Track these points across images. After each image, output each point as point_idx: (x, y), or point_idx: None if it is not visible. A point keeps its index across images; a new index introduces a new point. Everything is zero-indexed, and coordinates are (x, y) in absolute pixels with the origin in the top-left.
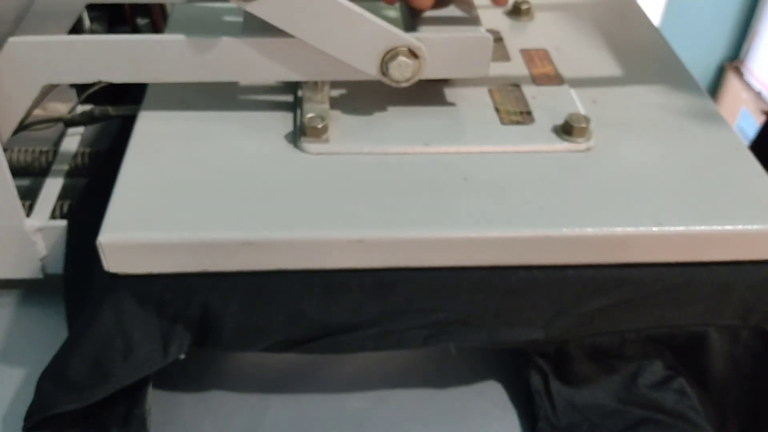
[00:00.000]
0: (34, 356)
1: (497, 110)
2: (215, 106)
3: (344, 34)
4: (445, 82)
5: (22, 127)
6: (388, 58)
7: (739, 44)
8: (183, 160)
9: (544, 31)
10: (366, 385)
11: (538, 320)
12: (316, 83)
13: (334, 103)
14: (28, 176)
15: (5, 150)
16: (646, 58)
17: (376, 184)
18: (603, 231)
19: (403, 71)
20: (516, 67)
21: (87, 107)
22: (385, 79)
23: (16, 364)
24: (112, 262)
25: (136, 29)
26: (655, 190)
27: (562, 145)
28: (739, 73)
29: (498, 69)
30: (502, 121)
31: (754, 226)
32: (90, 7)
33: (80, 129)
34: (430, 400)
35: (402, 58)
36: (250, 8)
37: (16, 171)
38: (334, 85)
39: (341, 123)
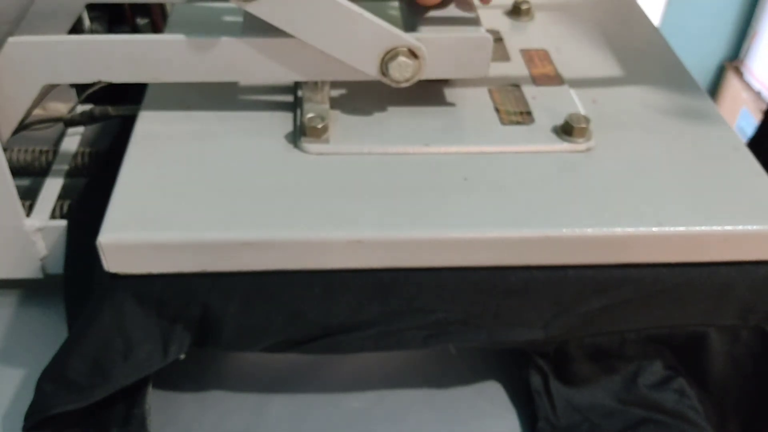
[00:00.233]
0: (34, 356)
1: (497, 110)
2: (215, 107)
3: (344, 34)
4: (445, 82)
5: (22, 127)
6: (388, 58)
7: (739, 44)
8: (183, 160)
9: (544, 31)
10: (366, 385)
11: (538, 320)
12: (316, 83)
13: (334, 103)
14: (28, 176)
15: (5, 150)
16: (646, 58)
17: (376, 184)
18: (603, 231)
19: (403, 71)
20: (516, 67)
21: (87, 107)
22: (385, 79)
23: (16, 364)
24: (112, 262)
25: (136, 29)
26: (655, 190)
27: (562, 146)
28: (739, 73)
29: (498, 69)
30: (502, 121)
31: (754, 226)
32: (90, 7)
33: (80, 129)
34: (430, 400)
35: (402, 58)
36: (250, 8)
37: (16, 171)
38: (334, 85)
39: (341, 123)
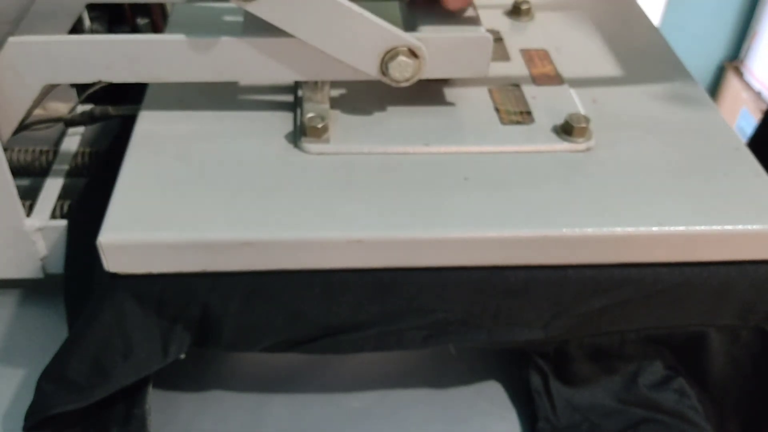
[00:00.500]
0: (34, 356)
1: (497, 110)
2: (215, 106)
3: (344, 34)
4: (445, 82)
5: (22, 127)
6: (388, 58)
7: (739, 44)
8: (183, 160)
9: (544, 31)
10: (366, 385)
11: (538, 320)
12: (316, 83)
13: (334, 103)
14: (28, 176)
15: (5, 150)
16: (646, 58)
17: (376, 184)
18: (603, 231)
19: (403, 71)
20: (516, 67)
21: (87, 107)
22: (385, 79)
23: (16, 364)
24: (112, 262)
25: (136, 29)
26: (655, 190)
27: (562, 145)
28: (739, 73)
29: (498, 69)
30: (502, 121)
31: (754, 226)
32: (90, 7)
33: (80, 129)
34: (430, 400)
35: (402, 58)
36: (250, 8)
37: (16, 171)
38: (334, 85)
39: (341, 123)
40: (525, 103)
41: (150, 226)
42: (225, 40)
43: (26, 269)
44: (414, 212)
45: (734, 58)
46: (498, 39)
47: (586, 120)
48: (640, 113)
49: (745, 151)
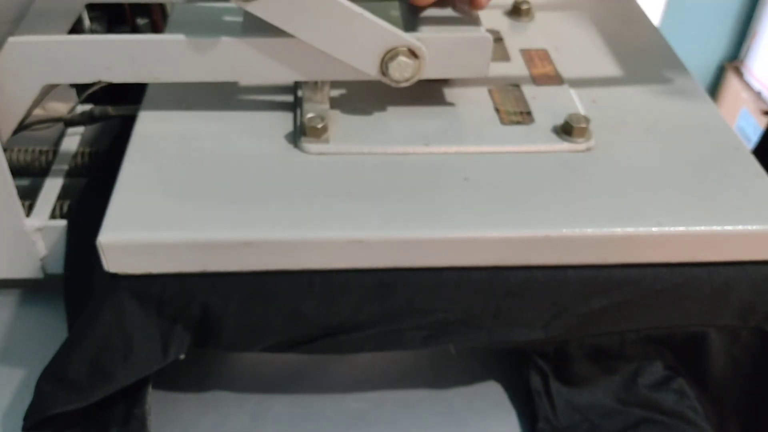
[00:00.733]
0: (34, 356)
1: (497, 110)
2: (215, 106)
3: (344, 34)
4: (445, 82)
5: (22, 127)
6: (388, 58)
7: (739, 44)
8: (183, 161)
9: (544, 31)
10: (366, 385)
11: (538, 320)
12: (316, 83)
13: (334, 103)
14: (28, 176)
15: (5, 150)
16: (646, 58)
17: (376, 184)
18: (603, 231)
19: (403, 71)
20: (516, 67)
21: (87, 107)
22: (385, 79)
23: (16, 364)
24: (112, 262)
25: (136, 29)
26: (655, 190)
27: (562, 145)
28: (739, 73)
29: (498, 69)
30: (502, 121)
31: (754, 226)
32: (90, 7)
33: (80, 129)
34: (430, 400)
35: (402, 58)
36: (250, 8)
37: (16, 171)
38: (334, 85)
39: (341, 123)
40: (525, 103)
41: (150, 226)
42: (225, 40)
43: (26, 269)
44: (414, 212)
45: (734, 58)
46: (498, 39)
47: (586, 120)
48: (640, 113)
49: (745, 151)
